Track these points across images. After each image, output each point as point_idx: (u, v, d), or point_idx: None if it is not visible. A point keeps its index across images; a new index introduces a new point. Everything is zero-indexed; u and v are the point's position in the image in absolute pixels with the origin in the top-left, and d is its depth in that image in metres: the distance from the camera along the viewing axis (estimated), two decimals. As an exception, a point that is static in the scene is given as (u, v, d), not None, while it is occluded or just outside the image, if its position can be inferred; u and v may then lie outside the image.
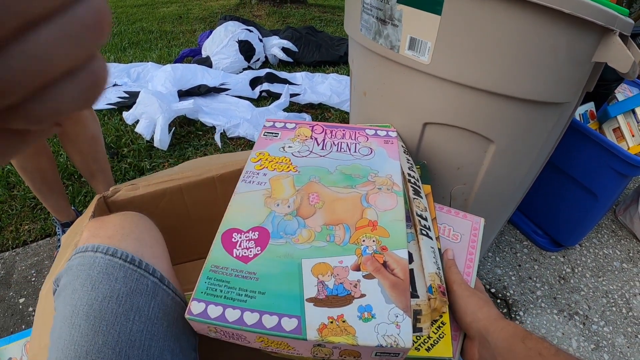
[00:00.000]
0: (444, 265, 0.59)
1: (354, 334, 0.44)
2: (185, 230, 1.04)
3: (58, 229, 1.44)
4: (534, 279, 1.48)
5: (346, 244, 0.53)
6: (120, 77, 2.48)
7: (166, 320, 0.52)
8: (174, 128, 1.99)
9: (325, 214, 0.57)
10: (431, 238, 0.60)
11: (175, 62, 2.71)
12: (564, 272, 1.52)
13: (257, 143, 0.68)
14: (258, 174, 0.62)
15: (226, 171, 0.94)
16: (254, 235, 0.53)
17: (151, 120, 1.89)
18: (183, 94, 2.19)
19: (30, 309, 1.27)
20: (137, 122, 1.95)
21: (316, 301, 0.47)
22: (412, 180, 0.68)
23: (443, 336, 0.51)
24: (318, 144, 0.69)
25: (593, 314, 1.38)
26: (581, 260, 1.58)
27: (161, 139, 1.84)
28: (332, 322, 0.45)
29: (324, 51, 2.90)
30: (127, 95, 2.24)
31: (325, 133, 0.72)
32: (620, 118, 1.36)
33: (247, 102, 2.24)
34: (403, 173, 0.69)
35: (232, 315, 0.45)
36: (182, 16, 4.18)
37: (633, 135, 1.34)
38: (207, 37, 2.78)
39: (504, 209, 1.05)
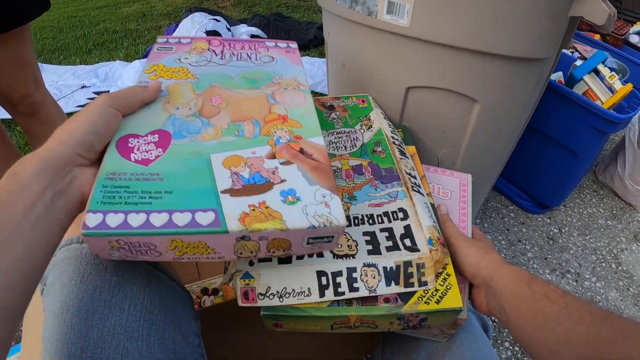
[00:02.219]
0: (439, 221, 0.59)
1: (282, 218, 0.40)
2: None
3: (38, 236, 1.39)
4: (524, 241, 1.49)
5: (257, 136, 0.49)
6: (88, 78, 2.41)
7: (163, 307, 0.50)
8: (148, 124, 1.94)
9: (230, 113, 0.52)
10: (423, 194, 0.60)
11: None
12: (551, 232, 1.54)
13: (149, 57, 0.61)
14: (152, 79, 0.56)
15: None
16: (153, 138, 0.47)
17: (124, 118, 1.84)
18: (154, 89, 2.13)
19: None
20: (109, 121, 1.89)
21: (232, 192, 0.42)
22: (397, 142, 0.68)
23: (450, 287, 0.50)
24: (217, 55, 0.64)
25: (584, 271, 1.40)
26: (567, 220, 1.60)
27: (136, 136, 1.79)
28: (254, 210, 0.41)
29: (293, 36, 2.86)
30: (96, 96, 2.18)
31: (224, 45, 0.66)
32: (587, 79, 1.39)
33: (222, 91, 2.19)
34: (387, 135, 0.68)
35: (135, 220, 0.38)
36: (146, 14, 4.08)
37: (602, 93, 1.36)
38: (174, 30, 2.72)
39: (491, 170, 1.05)
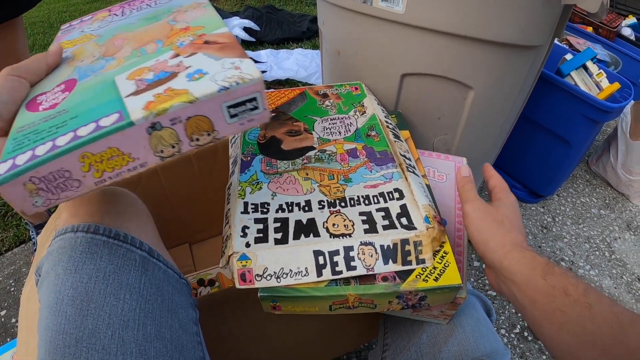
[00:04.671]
0: (434, 200, 0.58)
1: (188, 92, 0.37)
2: (165, 215, 1.01)
3: (32, 232, 1.38)
4: (518, 230, 1.50)
5: (160, 49, 0.47)
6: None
7: (160, 296, 0.49)
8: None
9: (132, 44, 0.50)
10: (418, 175, 0.61)
11: (134, 54, 2.61)
12: (545, 221, 1.55)
13: (55, 39, 0.59)
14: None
15: (202, 146, 0.90)
16: (59, 88, 0.45)
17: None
18: (147, 83, 2.11)
19: (13, 320, 1.21)
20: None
21: (136, 92, 0.39)
22: (390, 126, 0.69)
23: (448, 265, 0.50)
24: (117, 15, 0.61)
25: (578, 259, 1.41)
26: (560, 209, 1.61)
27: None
28: (159, 96, 0.37)
29: (286, 28, 2.85)
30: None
31: (123, 7, 0.64)
32: (574, 74, 1.40)
33: (213, 83, 2.18)
34: (380, 120, 0.69)
35: (42, 149, 0.36)
36: (137, 8, 4.05)
37: (589, 90, 1.37)
38: (166, 24, 2.70)
39: (485, 158, 1.06)
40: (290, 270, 0.48)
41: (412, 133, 0.72)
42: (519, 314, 1.21)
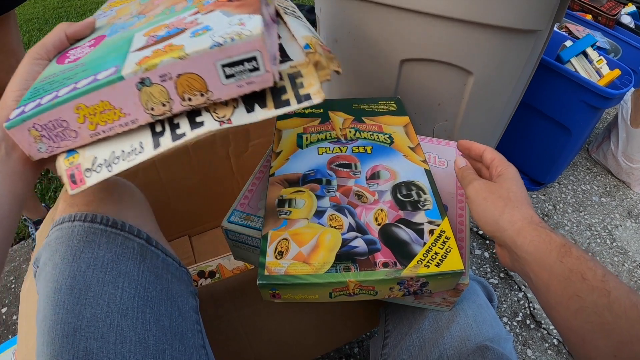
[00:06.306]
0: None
1: (181, 48, 0.34)
2: (163, 208, 1.00)
3: (31, 228, 1.38)
4: (519, 219, 1.49)
5: (187, 7, 0.44)
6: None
7: (159, 284, 0.49)
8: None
9: (167, 2, 0.48)
10: (300, 17, 0.50)
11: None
12: (546, 209, 1.54)
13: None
14: (106, 12, 0.55)
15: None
16: (89, 43, 0.45)
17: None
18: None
19: (14, 317, 1.21)
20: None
21: (142, 48, 0.38)
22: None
23: (450, 250, 0.49)
24: None
25: (579, 246, 1.40)
26: (561, 197, 1.61)
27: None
28: (156, 52, 0.35)
29: (283, 21, 2.84)
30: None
31: None
32: (574, 61, 1.39)
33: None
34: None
35: (47, 98, 0.37)
36: (133, 3, 4.04)
37: (590, 77, 1.36)
38: (162, 18, 2.68)
39: (485, 144, 1.05)
40: (123, 151, 0.39)
41: (412, 119, 0.71)
42: (522, 302, 1.21)
